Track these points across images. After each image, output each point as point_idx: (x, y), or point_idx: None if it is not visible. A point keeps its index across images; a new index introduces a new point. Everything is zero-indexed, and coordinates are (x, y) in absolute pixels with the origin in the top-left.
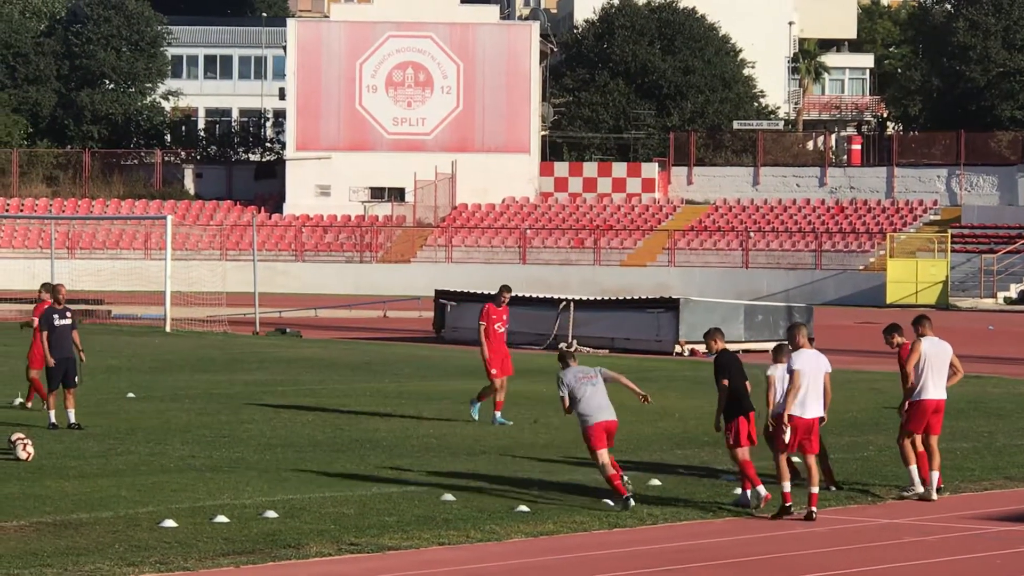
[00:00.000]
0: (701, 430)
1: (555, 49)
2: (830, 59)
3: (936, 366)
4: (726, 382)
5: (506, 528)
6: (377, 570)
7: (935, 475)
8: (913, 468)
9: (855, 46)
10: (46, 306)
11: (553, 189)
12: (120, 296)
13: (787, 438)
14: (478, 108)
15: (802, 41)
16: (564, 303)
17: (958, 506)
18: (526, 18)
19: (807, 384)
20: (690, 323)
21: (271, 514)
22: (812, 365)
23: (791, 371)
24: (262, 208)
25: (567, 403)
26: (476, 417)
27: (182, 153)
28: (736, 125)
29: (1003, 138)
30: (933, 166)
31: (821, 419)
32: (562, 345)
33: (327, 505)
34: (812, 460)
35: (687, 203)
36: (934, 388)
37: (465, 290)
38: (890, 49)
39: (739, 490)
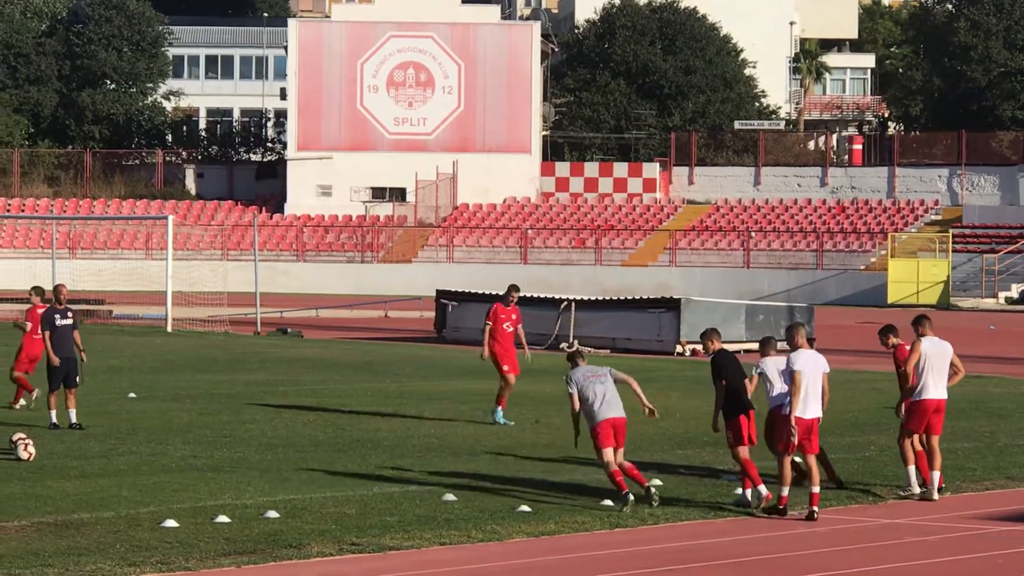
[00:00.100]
0: (702, 430)
1: (556, 49)
2: (831, 59)
3: (937, 366)
4: (723, 382)
5: (507, 528)
6: (378, 570)
7: (936, 475)
8: (911, 468)
9: (856, 46)
10: (39, 308)
11: (554, 189)
12: (121, 296)
13: (796, 440)
14: (479, 108)
15: (803, 41)
16: (565, 303)
17: (959, 506)
18: (527, 18)
19: (807, 384)
20: (691, 323)
21: (272, 514)
22: (811, 365)
23: (792, 372)
24: (263, 208)
25: (575, 401)
26: (504, 422)
27: (183, 153)
28: (737, 125)
29: (1004, 138)
30: (934, 166)
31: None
32: (563, 345)
33: (328, 505)
34: (812, 460)
35: (688, 203)
36: (934, 388)
37: (466, 290)
38: (891, 49)
39: (740, 490)
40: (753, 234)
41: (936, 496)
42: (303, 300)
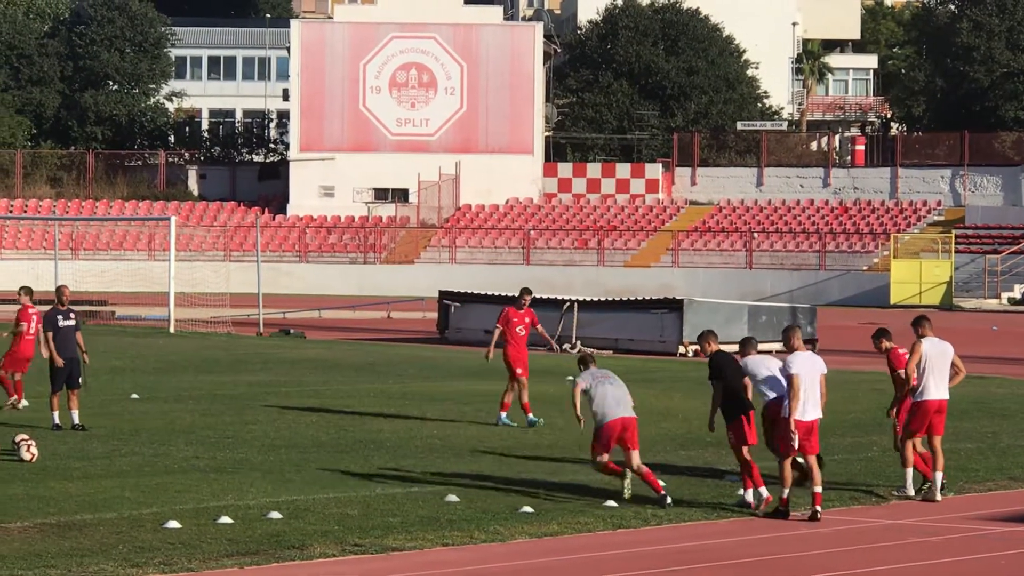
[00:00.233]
0: (705, 431)
1: (559, 50)
2: (834, 60)
3: (938, 366)
4: (721, 382)
5: (510, 529)
6: (381, 571)
7: (939, 476)
8: (910, 471)
9: (859, 47)
10: (29, 309)
11: (557, 190)
12: (124, 297)
13: (796, 444)
14: (482, 109)
15: (806, 42)
16: (568, 304)
17: (962, 507)
18: (530, 19)
19: (805, 387)
20: (694, 324)
21: (275, 515)
22: (808, 367)
23: (790, 375)
24: (266, 209)
25: (577, 395)
26: (537, 419)
27: (186, 154)
28: (740, 126)
29: (1007, 139)
30: (937, 167)
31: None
32: (566, 346)
33: (331, 506)
34: (813, 460)
35: (691, 204)
36: (936, 388)
37: (469, 291)
38: (894, 50)
39: (742, 491)
40: (756, 235)
41: (939, 497)
42: (306, 301)
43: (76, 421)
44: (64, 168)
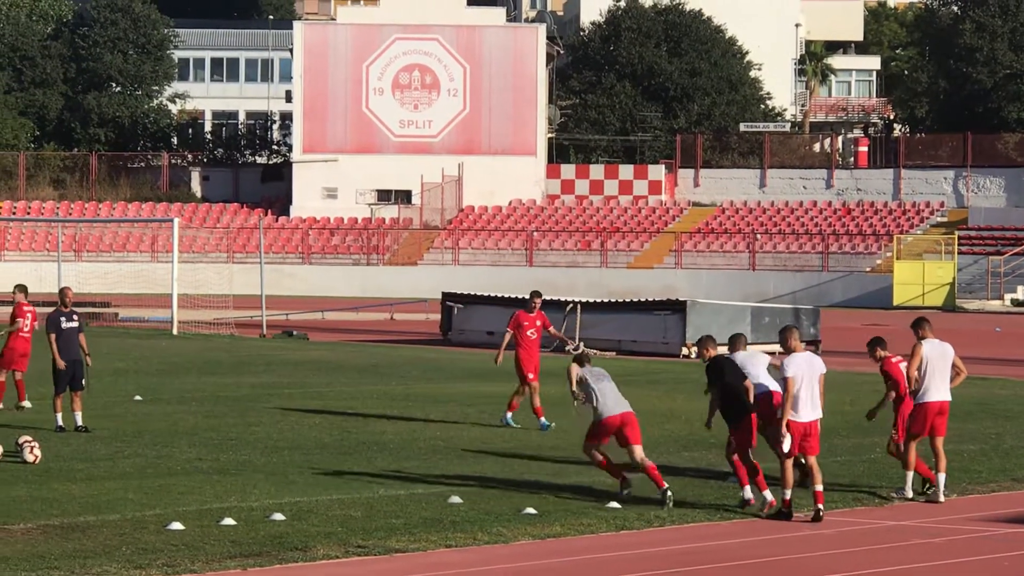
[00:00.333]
0: (709, 433)
1: (561, 51)
2: (837, 61)
3: (939, 368)
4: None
5: (513, 530)
6: (384, 572)
7: (941, 477)
8: (911, 474)
9: (861, 48)
10: (24, 306)
11: (560, 191)
12: (127, 299)
13: (786, 446)
14: (484, 110)
15: (808, 43)
16: (571, 305)
17: (965, 508)
18: (532, 20)
19: (801, 388)
20: (697, 325)
21: (278, 517)
22: (806, 368)
23: (784, 379)
24: (269, 210)
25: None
26: (549, 423)
27: (189, 156)
28: (743, 127)
29: (1010, 140)
30: (940, 168)
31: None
32: (569, 347)
33: (334, 507)
34: (813, 460)
35: (694, 205)
36: (937, 390)
37: (472, 292)
38: (897, 51)
39: (741, 490)
40: (759, 236)
41: (942, 498)
42: (309, 302)
43: (79, 423)
44: (67, 170)
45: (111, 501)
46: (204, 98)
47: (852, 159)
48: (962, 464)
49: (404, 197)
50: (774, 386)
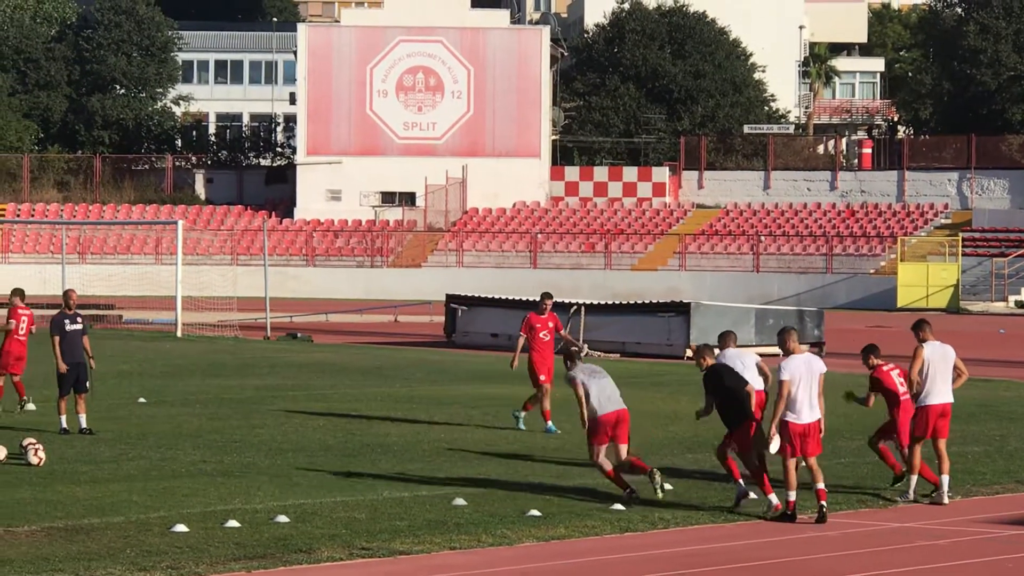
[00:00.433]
0: (712, 434)
1: (565, 53)
2: (841, 63)
3: (940, 370)
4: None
5: (517, 532)
6: (388, 574)
7: (945, 479)
8: (915, 477)
9: (865, 50)
10: (19, 309)
11: (564, 193)
12: (131, 301)
13: (774, 447)
14: (488, 112)
15: (812, 45)
16: (575, 307)
17: (969, 510)
18: (536, 22)
19: (799, 390)
20: (701, 327)
21: (282, 519)
22: (804, 370)
23: (779, 382)
24: (273, 213)
25: (581, 394)
26: (556, 429)
27: (193, 158)
28: (747, 129)
29: (1014, 141)
30: (944, 170)
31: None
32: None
33: (338, 509)
34: (813, 461)
35: (698, 207)
36: (939, 392)
37: (476, 294)
38: (901, 53)
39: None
40: (763, 238)
41: (946, 500)
42: (313, 305)
43: (83, 425)
44: (71, 172)
45: (115, 503)
46: (208, 100)
47: (856, 161)
48: (966, 466)
49: (408, 199)
50: (760, 386)
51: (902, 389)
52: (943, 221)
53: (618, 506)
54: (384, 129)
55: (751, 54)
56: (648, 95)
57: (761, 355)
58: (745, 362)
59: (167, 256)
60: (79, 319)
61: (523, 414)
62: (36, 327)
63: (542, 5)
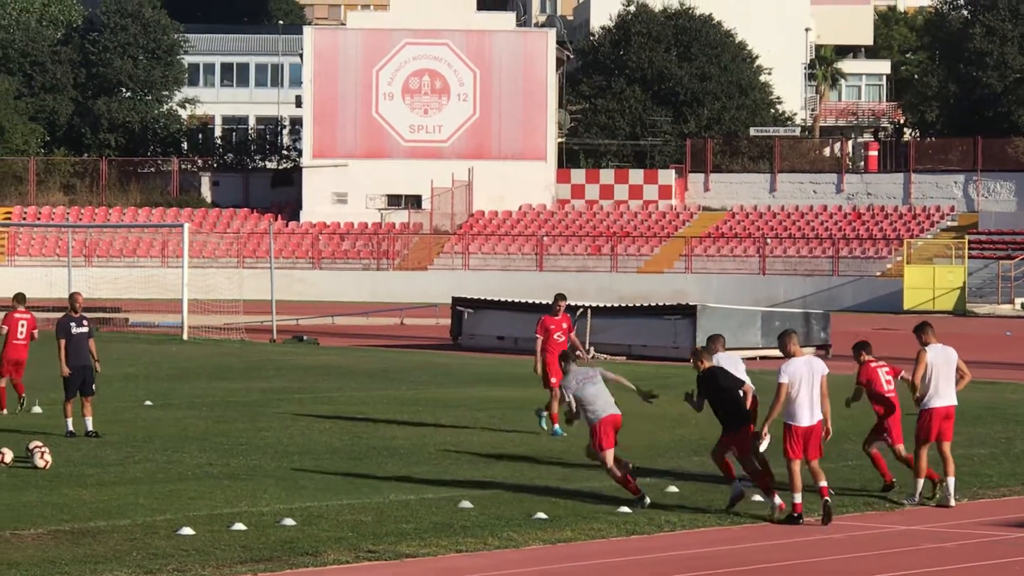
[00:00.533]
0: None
1: (571, 56)
2: (847, 65)
3: (943, 373)
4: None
5: (524, 535)
6: None
7: (951, 481)
8: (921, 481)
9: (872, 52)
10: (16, 314)
11: (570, 196)
12: (137, 304)
13: (762, 446)
14: (494, 115)
15: (819, 47)
16: (581, 310)
17: (976, 512)
18: (542, 25)
19: (800, 392)
20: (707, 330)
21: (289, 521)
22: (805, 372)
23: (778, 384)
24: (279, 216)
25: (574, 407)
26: (546, 428)
27: (199, 161)
28: (753, 132)
29: (1020, 144)
30: (950, 172)
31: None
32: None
33: (345, 512)
34: (815, 464)
35: (704, 210)
36: (943, 395)
37: (482, 297)
38: (907, 55)
39: (758, 497)
40: (769, 241)
41: (952, 502)
42: (319, 308)
43: (90, 428)
44: (77, 175)
45: (122, 506)
46: (214, 103)
47: (862, 163)
48: (972, 468)
49: (414, 202)
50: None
51: (887, 388)
52: (949, 223)
53: (625, 509)
54: (390, 132)
55: (757, 56)
56: (654, 98)
57: (766, 358)
58: (738, 366)
59: (173, 259)
60: (85, 322)
61: (547, 414)
62: (40, 330)
63: (548, 8)
